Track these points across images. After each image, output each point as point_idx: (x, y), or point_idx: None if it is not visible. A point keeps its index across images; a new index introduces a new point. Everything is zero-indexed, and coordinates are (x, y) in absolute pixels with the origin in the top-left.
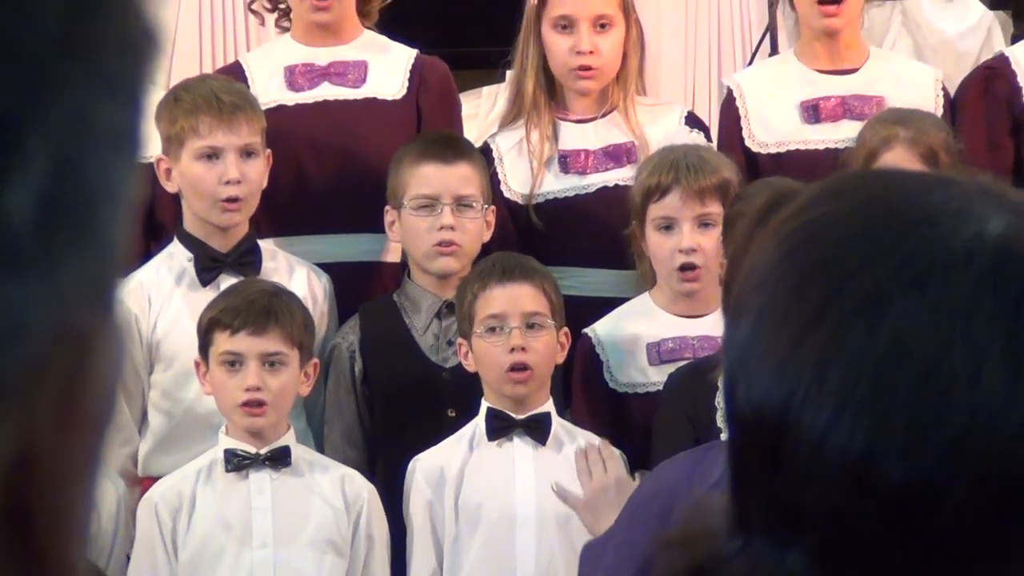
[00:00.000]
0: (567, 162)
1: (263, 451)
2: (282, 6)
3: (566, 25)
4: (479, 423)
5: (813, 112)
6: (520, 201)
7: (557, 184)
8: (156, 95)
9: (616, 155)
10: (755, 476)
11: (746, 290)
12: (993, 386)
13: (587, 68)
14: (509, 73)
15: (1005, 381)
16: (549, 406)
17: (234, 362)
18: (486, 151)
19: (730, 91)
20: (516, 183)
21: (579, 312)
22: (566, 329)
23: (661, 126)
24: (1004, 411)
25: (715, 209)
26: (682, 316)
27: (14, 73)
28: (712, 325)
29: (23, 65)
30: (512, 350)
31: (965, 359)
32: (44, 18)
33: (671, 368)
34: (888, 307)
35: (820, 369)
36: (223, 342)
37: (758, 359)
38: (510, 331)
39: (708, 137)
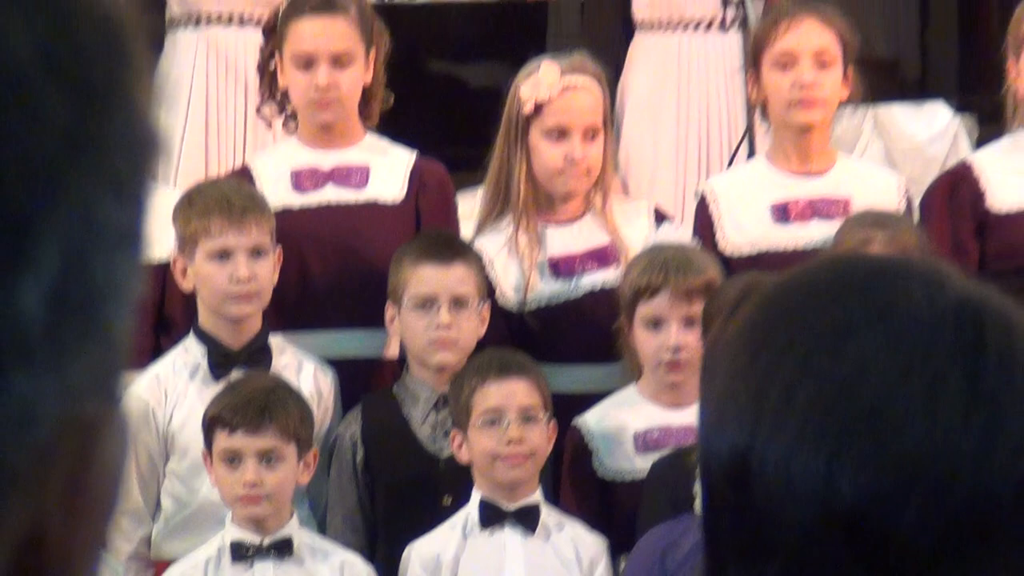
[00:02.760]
0: (557, 268)
1: (266, 541)
2: (288, 110)
3: (558, 134)
4: (471, 511)
5: (783, 212)
6: (513, 306)
7: (548, 289)
8: (166, 194)
9: (600, 256)
10: (727, 515)
11: (721, 347)
12: (949, 415)
13: (578, 176)
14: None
15: (960, 411)
16: (538, 496)
17: (233, 458)
18: (478, 254)
19: (703, 197)
20: (509, 289)
21: (568, 404)
22: (554, 421)
23: (635, 224)
24: (957, 440)
25: (698, 308)
26: (666, 407)
27: (25, 175)
28: (695, 415)
29: (34, 167)
30: (509, 442)
31: (923, 388)
32: (54, 122)
33: (657, 456)
34: (853, 335)
35: (788, 391)
36: (222, 440)
37: (731, 402)
38: (507, 424)
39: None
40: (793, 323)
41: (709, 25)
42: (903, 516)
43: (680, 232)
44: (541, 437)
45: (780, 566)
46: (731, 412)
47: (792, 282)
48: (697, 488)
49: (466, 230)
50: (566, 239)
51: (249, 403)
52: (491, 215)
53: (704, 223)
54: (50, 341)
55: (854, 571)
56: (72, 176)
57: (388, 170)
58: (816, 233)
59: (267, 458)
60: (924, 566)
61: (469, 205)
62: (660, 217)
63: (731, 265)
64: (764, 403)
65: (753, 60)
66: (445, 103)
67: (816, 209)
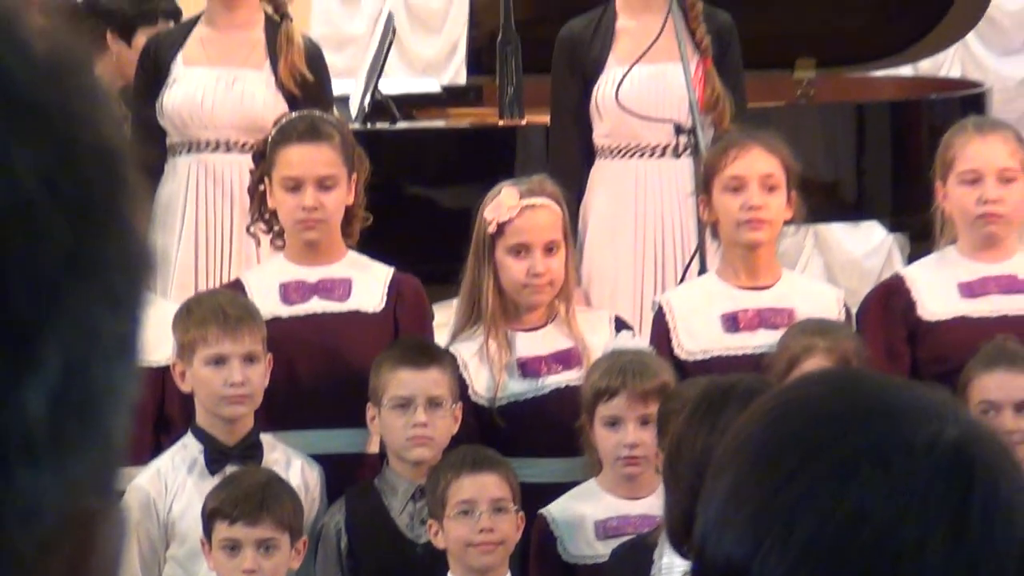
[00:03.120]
0: (524, 368)
1: None
2: (276, 228)
3: (520, 250)
4: None
5: (733, 322)
6: (484, 404)
7: (516, 388)
8: (162, 305)
9: (564, 359)
10: None
11: (727, 454)
12: (935, 558)
13: (541, 288)
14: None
15: (945, 555)
16: None
17: (232, 547)
18: (453, 358)
19: (660, 307)
20: (480, 388)
21: (535, 493)
22: (522, 512)
23: (597, 331)
24: None
25: (655, 409)
26: (624, 498)
27: (31, 289)
28: (650, 506)
29: (39, 282)
30: (481, 531)
31: (915, 531)
32: (57, 243)
33: (616, 542)
34: (856, 476)
35: (788, 523)
36: (223, 530)
37: (734, 511)
38: (479, 515)
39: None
40: (799, 451)
41: (663, 152)
42: None
43: (637, 340)
44: (511, 526)
45: None
46: (733, 523)
47: (800, 400)
48: (654, 571)
49: (441, 337)
50: (533, 343)
51: (248, 497)
52: (465, 325)
53: (661, 331)
54: (53, 440)
55: None
56: (73, 292)
57: (368, 283)
58: (763, 341)
59: (264, 546)
60: None
61: (443, 315)
62: (620, 325)
63: (685, 369)
64: (765, 527)
65: (705, 184)
66: (420, 222)
67: (763, 319)
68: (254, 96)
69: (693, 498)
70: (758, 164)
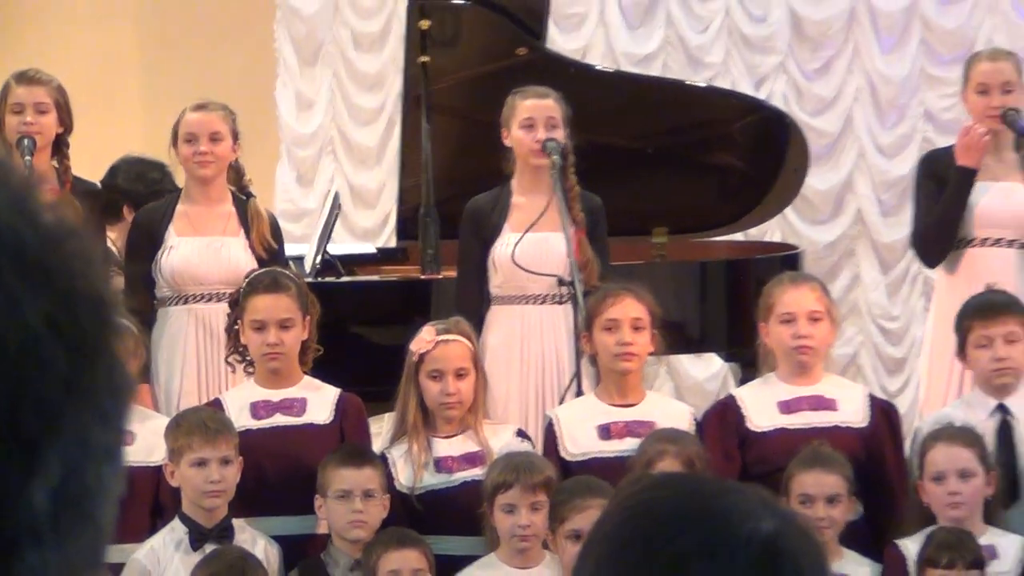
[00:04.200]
0: (439, 465)
1: None
2: (248, 358)
3: (436, 375)
4: None
5: (606, 432)
6: (407, 492)
7: (431, 481)
8: (161, 420)
9: (472, 459)
10: None
11: (591, 542)
12: None
13: (452, 405)
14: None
15: None
16: None
17: None
18: (384, 458)
19: (550, 419)
20: (404, 480)
21: (448, 565)
22: None
23: (501, 439)
24: None
25: (542, 498)
26: (517, 568)
27: (35, 409)
28: (539, 573)
29: (41, 403)
30: None
31: None
32: (58, 372)
33: None
34: (688, 569)
35: None
36: None
37: None
38: None
39: (532, 445)
40: (644, 546)
41: (546, 300)
42: None
43: (527, 444)
44: None
45: None
46: None
47: (647, 503)
48: None
49: (376, 443)
50: (447, 447)
51: (231, 568)
52: (398, 432)
53: (550, 437)
54: (54, 527)
55: None
56: (71, 411)
57: (320, 402)
58: (629, 446)
59: None
60: None
61: (377, 426)
62: (522, 435)
63: (569, 468)
64: None
65: (587, 324)
66: (361, 354)
67: (630, 429)
68: (236, 258)
69: None
70: (629, 309)
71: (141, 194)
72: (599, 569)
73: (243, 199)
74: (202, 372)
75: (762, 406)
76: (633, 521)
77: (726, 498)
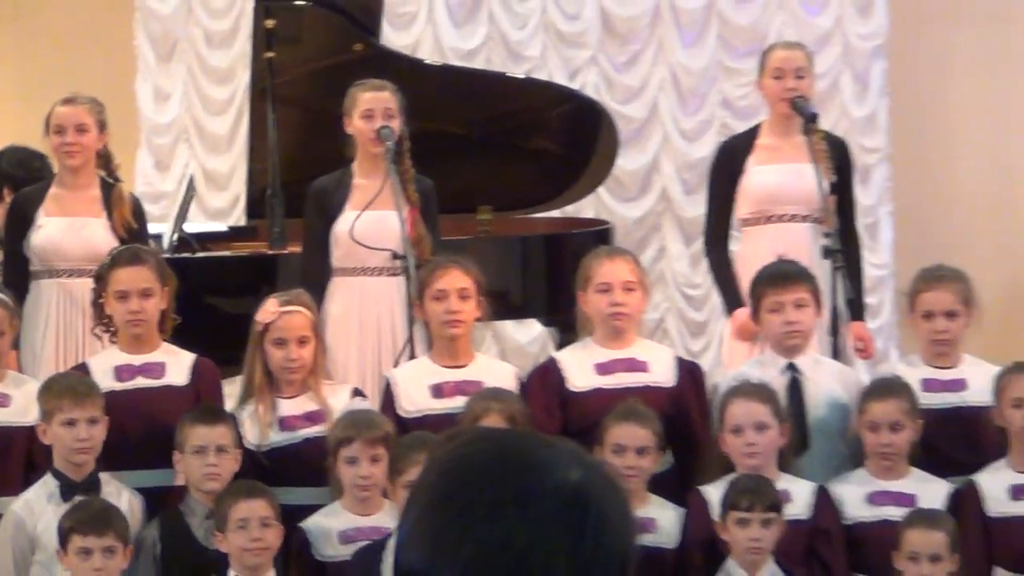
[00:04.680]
0: (283, 424)
1: None
2: (112, 328)
3: (280, 343)
4: None
5: (439, 391)
6: (254, 449)
7: (277, 438)
8: (35, 384)
9: (313, 418)
10: None
11: (416, 490)
12: (562, 564)
13: (295, 369)
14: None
15: (567, 569)
16: (273, 574)
17: (85, 552)
18: (234, 418)
19: (387, 381)
20: (252, 438)
21: (294, 513)
22: (282, 527)
23: (339, 398)
24: None
25: (381, 451)
26: (360, 515)
27: None
28: (379, 520)
29: None
30: (253, 540)
31: (544, 554)
32: None
33: (355, 546)
34: (503, 516)
35: (455, 547)
36: (77, 541)
37: (418, 536)
38: (252, 528)
39: (369, 403)
40: (464, 496)
41: (382, 272)
42: None
43: (367, 403)
44: (275, 536)
45: None
46: (417, 541)
47: (468, 456)
48: (383, 568)
49: (228, 404)
50: (291, 407)
51: (96, 517)
52: (245, 395)
53: (388, 397)
54: None
55: None
56: None
57: (178, 365)
58: (459, 404)
59: (107, 552)
60: None
61: (232, 388)
62: (357, 394)
63: (406, 424)
64: (440, 546)
65: (419, 294)
66: (214, 322)
67: (460, 389)
68: (97, 238)
69: None
70: (456, 280)
71: (22, 179)
72: (422, 516)
73: (111, 183)
74: (61, 338)
75: (581, 368)
76: (453, 473)
77: (538, 451)
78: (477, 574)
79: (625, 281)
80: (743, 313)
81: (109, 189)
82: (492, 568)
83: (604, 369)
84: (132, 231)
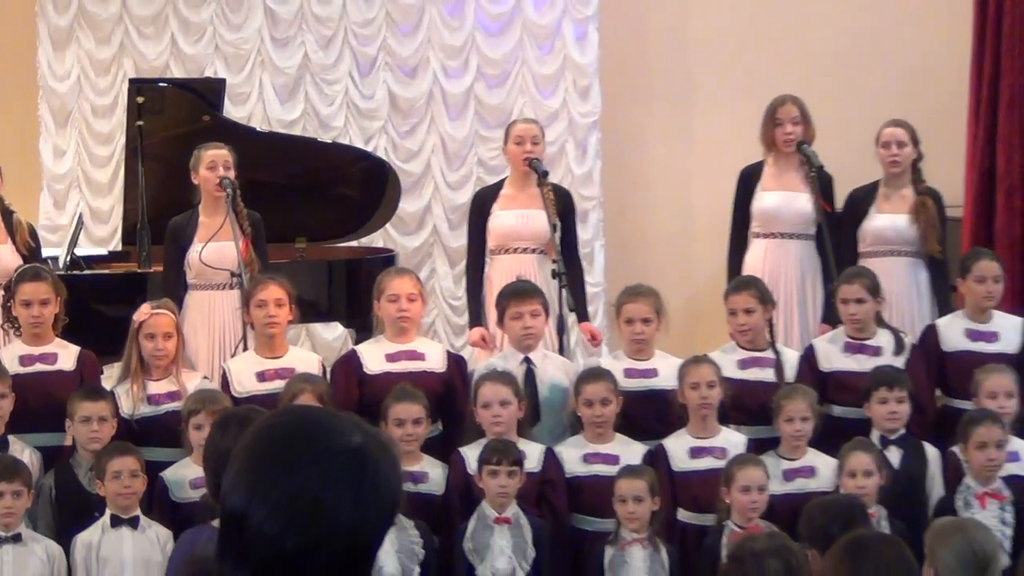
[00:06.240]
0: (151, 399)
1: (9, 535)
2: (18, 327)
3: (150, 337)
4: (106, 520)
5: (262, 376)
6: (128, 418)
7: (146, 410)
8: None
9: (173, 396)
10: (229, 540)
11: (238, 451)
12: (345, 513)
13: (161, 358)
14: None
15: (349, 511)
16: (137, 511)
17: None
18: (112, 394)
19: (224, 369)
20: (126, 409)
21: (157, 467)
22: (146, 477)
23: (193, 382)
24: (352, 522)
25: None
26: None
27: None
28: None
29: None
30: (125, 487)
31: (332, 499)
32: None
33: (203, 491)
34: (302, 470)
35: (266, 493)
36: None
37: (239, 484)
38: (122, 479)
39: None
40: (272, 455)
41: (225, 287)
42: (317, 556)
43: (210, 383)
44: (141, 484)
45: (252, 571)
46: (238, 487)
47: (274, 425)
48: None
49: (107, 384)
50: (156, 387)
51: (6, 467)
52: (122, 377)
53: (225, 381)
54: None
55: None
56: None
57: (67, 355)
58: (278, 386)
59: (15, 495)
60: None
61: (108, 372)
62: (205, 379)
63: (239, 402)
64: (254, 491)
65: (245, 304)
66: (97, 323)
67: (279, 374)
68: (4, 258)
69: (218, 475)
70: (273, 292)
71: None
72: (241, 468)
73: (10, 214)
74: None
75: (375, 357)
76: (262, 439)
77: (328, 421)
78: (283, 512)
79: (409, 292)
80: (477, 332)
81: (9, 218)
82: (293, 508)
83: (392, 358)
84: (31, 249)
